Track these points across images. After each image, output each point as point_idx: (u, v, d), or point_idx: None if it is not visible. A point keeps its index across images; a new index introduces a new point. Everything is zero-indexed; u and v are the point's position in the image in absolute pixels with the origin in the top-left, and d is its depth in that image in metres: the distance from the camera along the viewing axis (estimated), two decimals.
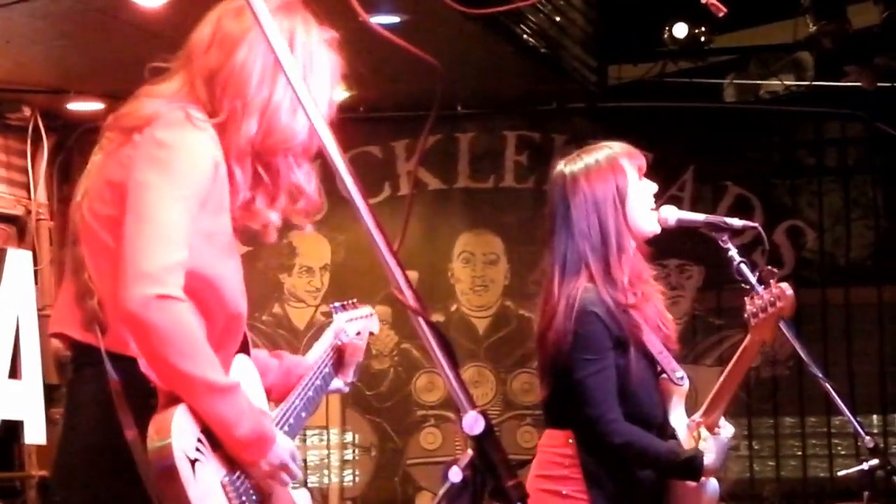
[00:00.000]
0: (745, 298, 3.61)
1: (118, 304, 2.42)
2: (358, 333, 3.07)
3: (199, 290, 2.49)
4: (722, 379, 3.67)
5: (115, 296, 2.43)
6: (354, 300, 3.15)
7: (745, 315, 3.63)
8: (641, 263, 3.70)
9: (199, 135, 2.54)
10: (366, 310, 3.15)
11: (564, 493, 3.57)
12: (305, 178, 2.71)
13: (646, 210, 3.70)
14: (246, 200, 2.63)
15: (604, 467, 3.57)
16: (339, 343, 3.04)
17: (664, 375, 3.69)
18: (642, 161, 3.76)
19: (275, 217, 2.69)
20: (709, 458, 3.59)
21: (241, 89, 2.59)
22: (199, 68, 2.63)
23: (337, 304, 3.07)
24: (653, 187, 3.73)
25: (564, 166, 3.75)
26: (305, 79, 2.61)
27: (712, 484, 3.66)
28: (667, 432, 3.66)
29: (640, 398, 3.61)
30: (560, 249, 3.67)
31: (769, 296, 3.56)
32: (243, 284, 2.68)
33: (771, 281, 3.58)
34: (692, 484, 3.61)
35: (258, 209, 2.64)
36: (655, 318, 3.70)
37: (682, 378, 3.70)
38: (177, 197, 2.47)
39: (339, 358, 3.07)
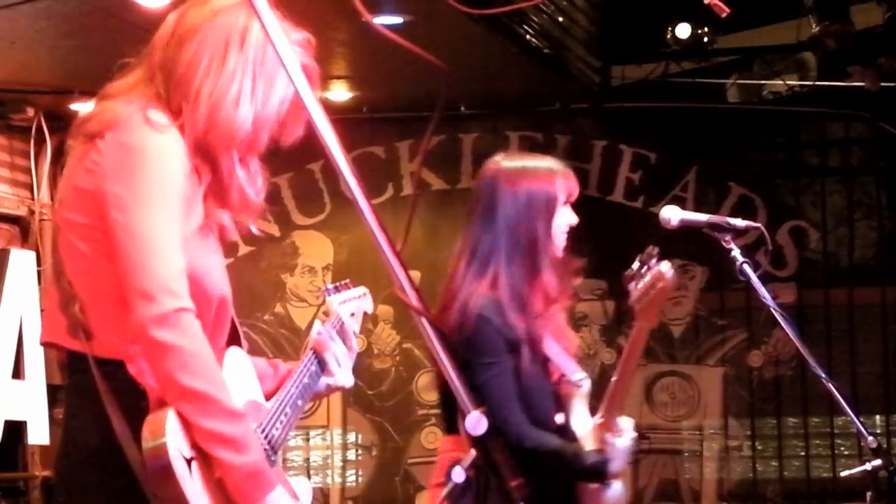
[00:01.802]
0: (629, 285, 3.55)
1: (131, 325, 2.41)
2: (352, 315, 3.04)
3: (190, 289, 2.48)
4: (616, 374, 3.61)
5: (123, 316, 2.43)
6: (347, 281, 3.12)
7: (629, 302, 3.57)
8: (554, 278, 3.67)
9: (163, 137, 2.52)
10: (359, 290, 3.11)
11: None
12: (249, 176, 2.66)
13: (561, 233, 3.67)
14: (203, 197, 2.60)
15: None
16: (339, 325, 2.99)
17: (564, 378, 3.66)
18: (574, 188, 3.70)
19: (226, 217, 2.64)
20: (613, 461, 3.56)
21: (189, 82, 2.58)
22: (158, 63, 2.62)
23: (329, 286, 3.04)
24: (573, 218, 3.69)
25: (501, 160, 3.71)
26: (255, 77, 2.59)
27: (616, 486, 3.64)
28: (567, 435, 3.62)
29: (534, 402, 3.57)
30: (474, 239, 3.62)
31: (650, 278, 3.51)
32: (225, 269, 2.65)
33: (650, 262, 3.53)
34: (594, 486, 3.60)
35: (209, 208, 2.61)
36: (555, 331, 3.67)
37: (581, 379, 3.66)
38: (159, 205, 2.46)
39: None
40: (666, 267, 3.52)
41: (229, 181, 2.62)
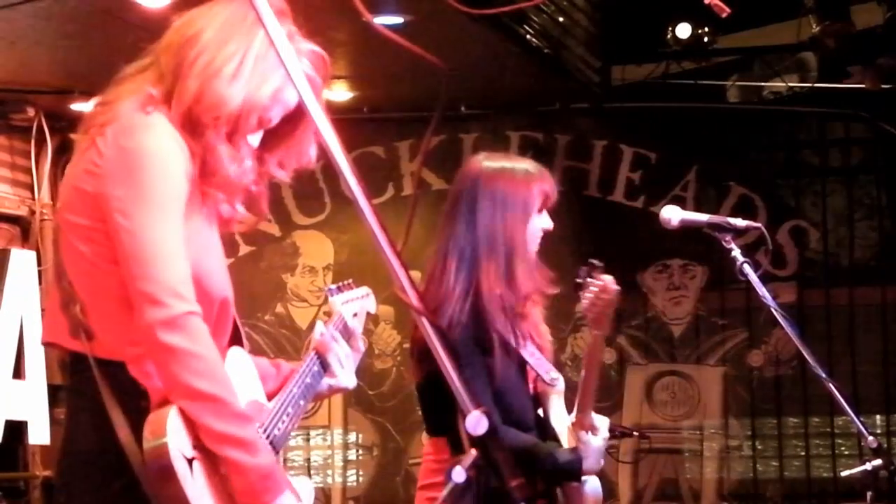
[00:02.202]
0: (579, 293, 3.64)
1: (138, 329, 2.42)
2: (355, 315, 3.04)
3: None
4: (582, 380, 3.67)
5: (124, 317, 2.44)
6: (350, 281, 3.13)
7: (581, 314, 3.67)
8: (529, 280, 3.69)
9: (163, 138, 2.52)
10: (362, 290, 3.12)
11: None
12: (234, 155, 2.61)
13: (535, 237, 3.70)
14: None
15: None
16: (342, 325, 3.00)
17: (539, 377, 3.68)
18: (552, 193, 3.73)
19: (219, 198, 2.62)
20: (587, 459, 3.60)
21: (185, 57, 2.58)
22: (164, 46, 2.64)
23: (332, 286, 3.05)
24: (548, 223, 3.72)
25: (482, 160, 3.74)
26: (255, 63, 2.59)
27: (593, 482, 3.69)
28: (547, 433, 3.66)
29: (509, 401, 3.59)
30: (455, 240, 3.66)
31: (596, 290, 3.59)
32: (226, 268, 2.66)
33: (593, 274, 3.60)
34: (573, 484, 3.63)
35: (201, 189, 2.59)
36: (530, 329, 3.71)
37: (555, 378, 3.70)
38: (162, 208, 2.47)
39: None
40: (609, 279, 3.60)
41: (213, 157, 2.58)
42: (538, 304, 3.74)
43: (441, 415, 3.61)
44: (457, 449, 3.55)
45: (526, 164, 3.76)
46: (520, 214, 3.65)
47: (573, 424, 3.67)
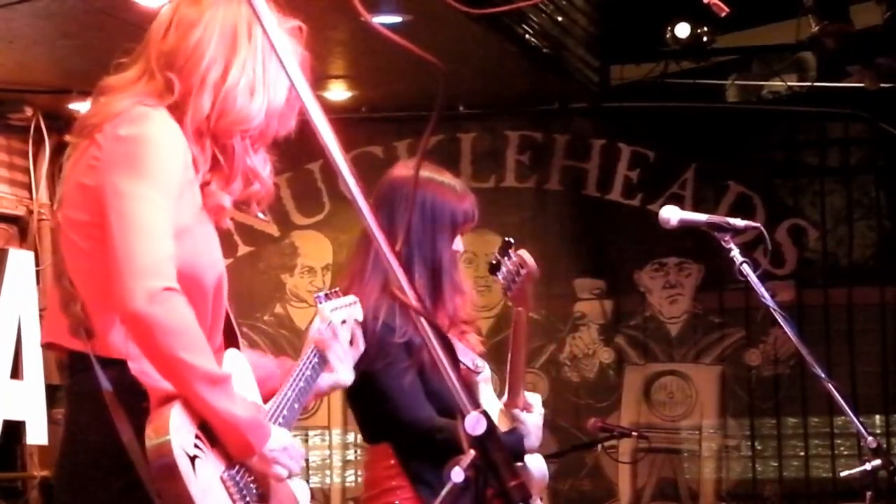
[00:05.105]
0: (493, 276, 3.59)
1: (118, 304, 2.42)
2: (343, 322, 3.05)
3: (185, 284, 2.49)
4: (510, 360, 3.66)
5: (111, 298, 2.43)
6: (337, 289, 3.14)
7: (502, 291, 3.63)
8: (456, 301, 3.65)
9: (161, 127, 2.53)
10: (349, 298, 3.13)
11: (397, 503, 3.52)
12: (261, 163, 2.70)
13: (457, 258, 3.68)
14: (203, 182, 2.62)
15: (428, 467, 3.48)
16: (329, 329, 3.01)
17: (465, 367, 3.64)
18: (475, 217, 3.68)
19: (228, 201, 2.66)
20: (528, 437, 3.60)
21: (195, 68, 2.59)
22: (156, 53, 2.63)
23: (321, 293, 3.06)
24: (461, 246, 3.65)
25: (410, 168, 3.72)
26: (265, 67, 2.63)
27: (537, 461, 3.69)
28: None
29: (444, 393, 3.57)
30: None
31: (513, 266, 3.55)
32: (222, 260, 2.67)
33: (509, 251, 3.56)
34: (517, 464, 3.60)
35: (213, 191, 2.63)
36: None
37: (480, 366, 3.67)
38: (153, 190, 2.47)
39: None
40: (525, 253, 3.56)
41: (238, 167, 2.64)
42: (466, 328, 3.68)
43: (377, 420, 3.58)
44: (405, 454, 3.52)
45: (458, 182, 3.71)
46: (447, 231, 3.60)
47: (505, 405, 3.66)
